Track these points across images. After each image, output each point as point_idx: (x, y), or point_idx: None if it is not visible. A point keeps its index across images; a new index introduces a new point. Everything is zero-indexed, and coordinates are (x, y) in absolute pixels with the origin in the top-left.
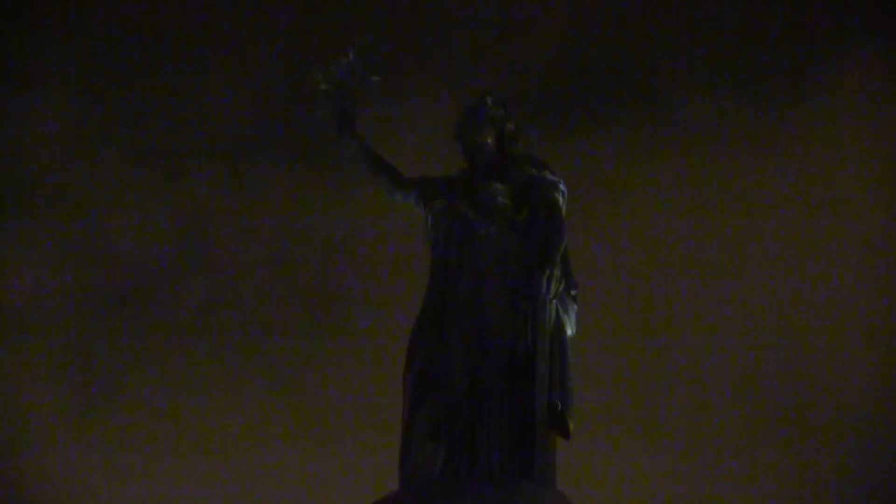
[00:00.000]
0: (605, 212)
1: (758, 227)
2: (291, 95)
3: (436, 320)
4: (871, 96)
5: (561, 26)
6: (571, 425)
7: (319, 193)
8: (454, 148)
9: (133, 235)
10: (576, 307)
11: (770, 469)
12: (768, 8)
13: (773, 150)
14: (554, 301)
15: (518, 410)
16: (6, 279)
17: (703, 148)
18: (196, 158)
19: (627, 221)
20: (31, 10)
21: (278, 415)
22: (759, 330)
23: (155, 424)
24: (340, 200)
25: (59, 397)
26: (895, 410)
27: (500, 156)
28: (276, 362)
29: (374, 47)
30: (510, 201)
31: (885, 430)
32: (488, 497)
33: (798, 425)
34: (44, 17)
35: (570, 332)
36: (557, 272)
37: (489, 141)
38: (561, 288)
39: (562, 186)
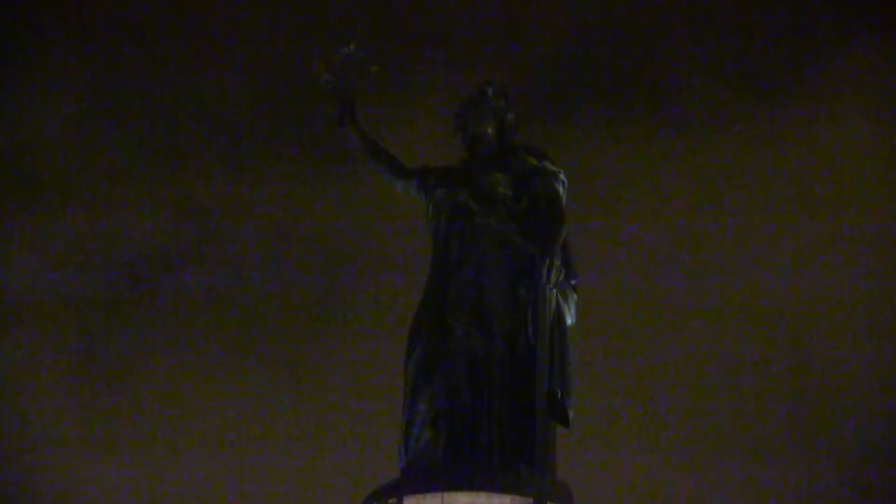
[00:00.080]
0: (606, 203)
1: (760, 219)
2: (293, 89)
3: (436, 308)
4: (874, 89)
5: (563, 19)
6: (571, 413)
7: (321, 186)
8: (455, 138)
9: (135, 229)
10: (576, 296)
11: (773, 461)
12: (770, 1)
13: (775, 141)
14: (554, 290)
15: (518, 398)
16: (9, 274)
17: (704, 139)
18: (198, 152)
19: (628, 213)
20: (34, 6)
21: (281, 405)
22: (761, 321)
23: (158, 415)
24: (342, 193)
25: (63, 389)
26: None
27: (500, 146)
28: (277, 353)
29: (373, 38)
30: (510, 191)
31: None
32: (488, 482)
33: (802, 418)
34: (45, 13)
35: (569, 320)
36: (557, 261)
37: (490, 131)
38: (561, 277)
39: (562, 176)
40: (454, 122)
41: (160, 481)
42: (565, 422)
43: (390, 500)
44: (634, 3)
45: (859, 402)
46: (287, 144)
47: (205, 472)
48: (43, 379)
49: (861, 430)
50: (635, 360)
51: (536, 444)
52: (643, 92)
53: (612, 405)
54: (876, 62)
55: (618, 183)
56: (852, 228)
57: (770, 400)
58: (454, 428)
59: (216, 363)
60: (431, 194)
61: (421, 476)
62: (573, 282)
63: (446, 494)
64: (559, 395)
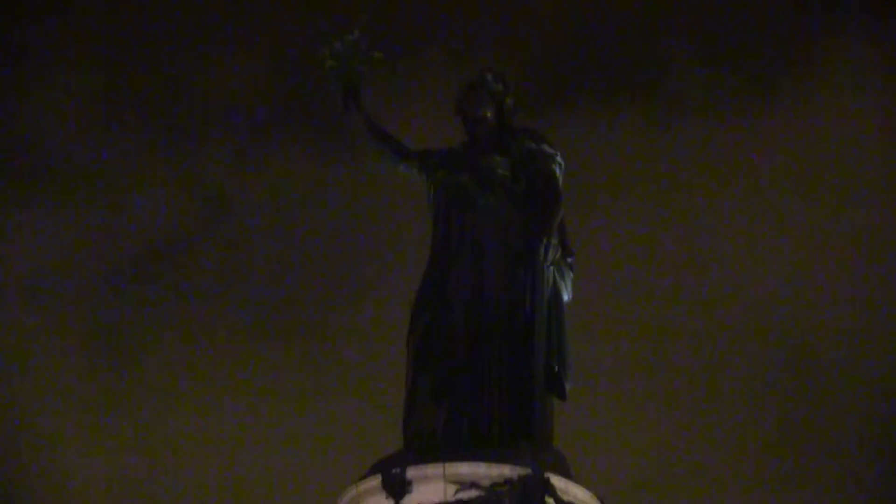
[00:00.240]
0: (605, 186)
1: (758, 206)
2: (306, 70)
3: (438, 287)
4: (870, 75)
5: (561, 9)
6: (568, 387)
7: (331, 168)
8: (456, 122)
9: (147, 211)
10: (572, 274)
11: (776, 427)
12: None
13: (773, 129)
14: (551, 268)
15: (517, 372)
16: (24, 256)
17: (702, 121)
18: (208, 135)
19: (627, 201)
20: None
21: (290, 381)
22: (758, 296)
23: (168, 393)
24: (351, 174)
25: (79, 365)
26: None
27: (499, 129)
28: (287, 332)
29: (377, 24)
30: (509, 173)
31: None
32: (488, 455)
33: (806, 382)
34: None
35: (566, 297)
36: (554, 240)
37: (489, 115)
38: (557, 255)
39: (559, 159)
40: (454, 106)
41: (176, 445)
42: (562, 395)
43: (394, 471)
44: None
45: (858, 376)
46: (297, 127)
47: (218, 437)
48: (63, 350)
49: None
50: (634, 328)
51: (534, 416)
52: (640, 82)
53: (610, 379)
54: (872, 48)
55: (615, 171)
56: (851, 216)
57: (773, 361)
58: (455, 402)
59: (226, 342)
60: (432, 176)
61: (423, 448)
62: (569, 260)
63: (448, 465)
64: (556, 369)
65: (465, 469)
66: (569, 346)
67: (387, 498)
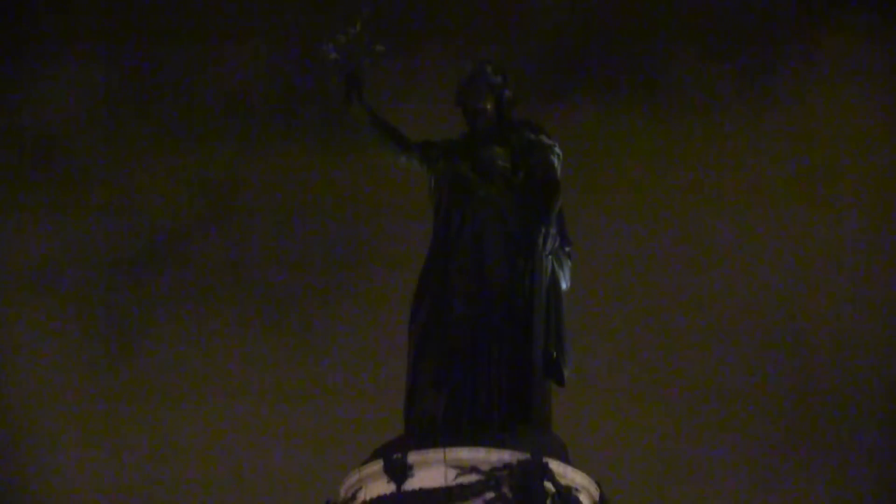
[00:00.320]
0: (604, 177)
1: (757, 192)
2: (309, 64)
3: (439, 275)
4: (868, 68)
5: (560, 4)
6: (566, 373)
7: (334, 160)
8: (457, 113)
9: (154, 202)
10: (569, 262)
11: (774, 420)
12: None
13: (773, 118)
14: (550, 257)
15: (516, 360)
16: (30, 248)
17: (702, 115)
18: (214, 128)
19: (625, 187)
20: None
21: (291, 369)
22: (757, 288)
23: (178, 376)
24: (354, 167)
25: (80, 359)
26: None
27: (499, 121)
28: (289, 321)
29: (379, 17)
30: (509, 164)
31: None
32: (487, 438)
33: (804, 377)
34: None
35: (564, 286)
36: (553, 230)
37: (489, 107)
38: (556, 245)
39: (557, 150)
40: (455, 98)
41: (180, 433)
42: (561, 381)
43: (396, 456)
44: None
45: (856, 366)
46: (300, 121)
47: (223, 425)
48: (69, 338)
49: (859, 387)
50: (632, 317)
51: (533, 402)
52: (640, 77)
53: (608, 366)
54: (872, 43)
55: (614, 163)
56: (851, 211)
57: (772, 353)
58: (455, 388)
59: (229, 331)
60: (433, 167)
61: (424, 433)
62: (567, 249)
63: (448, 450)
64: (555, 355)
65: (466, 454)
66: (567, 333)
67: (388, 482)
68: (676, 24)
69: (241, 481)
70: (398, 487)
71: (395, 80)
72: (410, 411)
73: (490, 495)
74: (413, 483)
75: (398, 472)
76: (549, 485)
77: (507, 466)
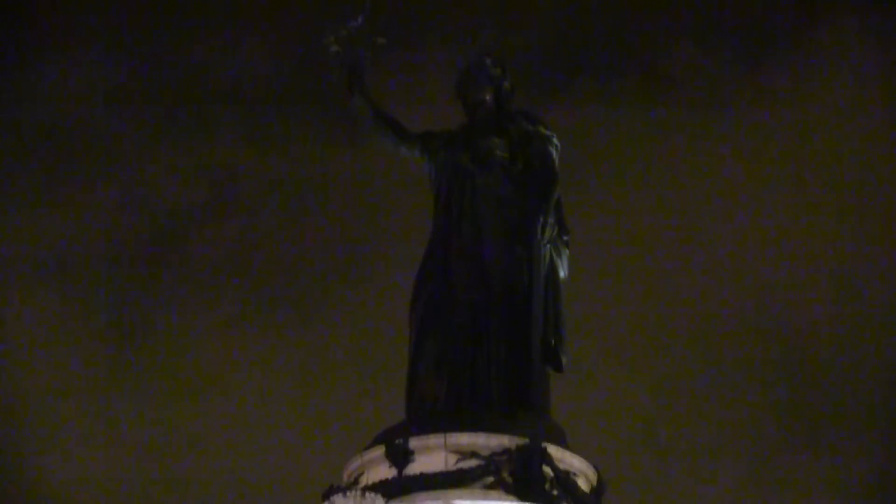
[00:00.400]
0: (601, 166)
1: (753, 179)
2: (314, 55)
3: (439, 262)
4: (864, 60)
5: None
6: (564, 360)
7: (340, 151)
8: (456, 105)
9: (160, 190)
10: (567, 251)
11: (772, 409)
12: None
13: (769, 105)
14: (548, 245)
15: (515, 346)
16: (37, 236)
17: (698, 102)
18: (222, 119)
19: (622, 175)
20: None
21: (297, 357)
22: (753, 274)
23: (181, 369)
24: (359, 157)
25: (84, 347)
26: None
27: (498, 112)
28: (296, 310)
29: (381, 10)
30: (507, 154)
31: None
32: (488, 425)
33: (800, 362)
34: None
35: (562, 273)
36: (551, 219)
37: (488, 98)
38: (554, 233)
39: (555, 140)
40: (454, 89)
41: (187, 422)
42: (559, 367)
43: (397, 441)
44: None
45: (854, 359)
46: (306, 110)
47: (229, 414)
48: (77, 327)
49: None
50: (632, 304)
51: (532, 388)
52: (637, 64)
53: (606, 353)
54: (867, 29)
55: (611, 151)
56: (847, 197)
57: (770, 341)
58: (456, 374)
59: (232, 324)
60: (434, 157)
61: (425, 418)
62: (565, 237)
63: (448, 435)
64: (553, 342)
65: (465, 439)
66: (565, 320)
67: (390, 467)
68: (677, 17)
69: (242, 476)
70: (399, 472)
71: (397, 72)
72: (412, 395)
73: (489, 480)
74: (414, 468)
75: (400, 457)
76: (547, 469)
77: (506, 451)
